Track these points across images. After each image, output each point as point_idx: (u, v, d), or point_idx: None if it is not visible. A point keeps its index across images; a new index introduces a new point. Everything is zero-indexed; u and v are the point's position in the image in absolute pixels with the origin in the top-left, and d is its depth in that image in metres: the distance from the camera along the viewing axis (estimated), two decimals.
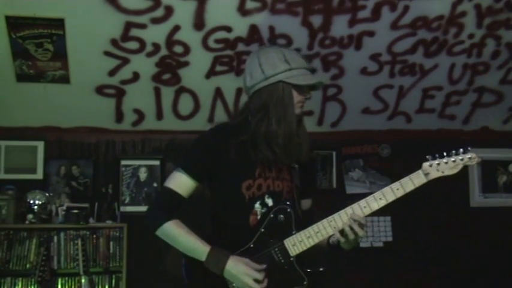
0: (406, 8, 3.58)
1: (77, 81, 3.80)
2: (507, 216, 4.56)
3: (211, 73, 3.88)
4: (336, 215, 1.89)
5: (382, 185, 1.89)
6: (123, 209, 4.14)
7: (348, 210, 1.88)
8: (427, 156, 1.88)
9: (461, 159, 1.86)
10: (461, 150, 1.87)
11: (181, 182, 1.97)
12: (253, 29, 3.59)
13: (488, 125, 4.63)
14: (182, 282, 2.08)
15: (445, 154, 1.88)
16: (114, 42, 3.56)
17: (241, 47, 3.68)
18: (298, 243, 1.89)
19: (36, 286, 3.70)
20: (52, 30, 3.48)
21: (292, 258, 1.89)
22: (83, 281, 3.72)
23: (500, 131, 4.66)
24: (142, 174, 4.24)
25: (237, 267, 1.83)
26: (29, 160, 4.11)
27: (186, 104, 4.10)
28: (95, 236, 3.94)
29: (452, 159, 1.86)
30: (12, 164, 4.09)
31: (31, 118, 4.05)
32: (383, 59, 3.95)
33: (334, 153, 4.49)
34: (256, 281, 1.82)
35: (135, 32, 3.52)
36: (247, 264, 1.83)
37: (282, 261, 1.89)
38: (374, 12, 3.59)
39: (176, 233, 1.94)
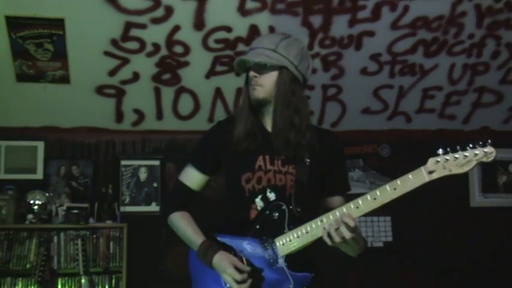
0: (406, 8, 3.59)
1: (77, 81, 3.80)
2: (507, 216, 4.56)
3: (211, 73, 3.88)
4: (326, 215, 1.75)
5: (382, 185, 1.74)
6: (123, 209, 4.14)
7: (340, 209, 1.73)
8: (439, 151, 1.60)
9: (476, 155, 1.59)
10: (480, 143, 1.60)
11: (189, 175, 2.00)
12: (253, 29, 3.59)
13: (488, 125, 4.62)
14: (182, 282, 2.09)
15: (458, 148, 1.59)
16: (114, 42, 3.57)
17: (241, 47, 3.68)
18: (287, 242, 1.78)
19: (36, 286, 3.69)
20: (52, 30, 3.48)
21: (281, 259, 1.78)
22: (83, 281, 3.71)
23: (500, 131, 4.65)
24: (142, 174, 4.24)
25: (221, 264, 1.78)
26: (29, 160, 4.11)
27: (186, 104, 4.10)
28: (95, 236, 3.94)
29: (465, 153, 1.58)
30: (12, 164, 4.09)
31: (31, 118, 4.05)
32: (383, 59, 3.95)
33: None
34: (237, 280, 1.74)
35: (135, 32, 3.52)
36: (231, 263, 1.76)
37: (271, 260, 1.79)
38: (374, 12, 3.59)
39: (178, 225, 1.98)
